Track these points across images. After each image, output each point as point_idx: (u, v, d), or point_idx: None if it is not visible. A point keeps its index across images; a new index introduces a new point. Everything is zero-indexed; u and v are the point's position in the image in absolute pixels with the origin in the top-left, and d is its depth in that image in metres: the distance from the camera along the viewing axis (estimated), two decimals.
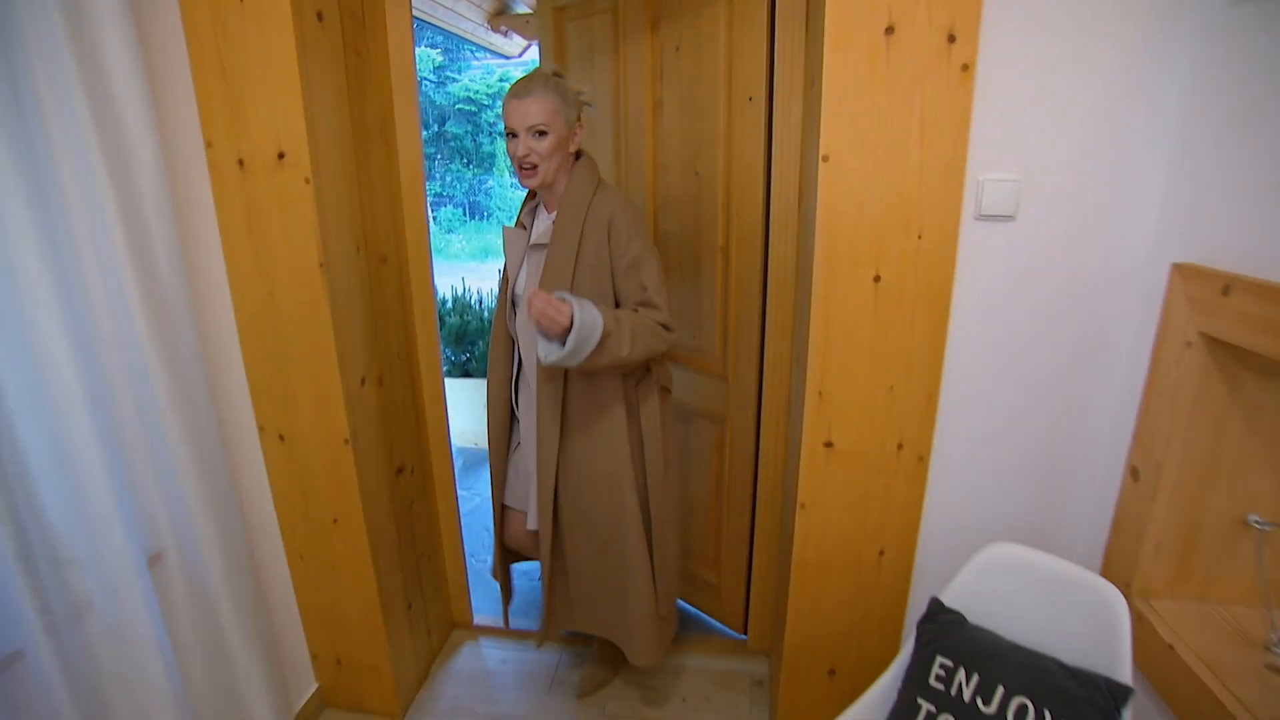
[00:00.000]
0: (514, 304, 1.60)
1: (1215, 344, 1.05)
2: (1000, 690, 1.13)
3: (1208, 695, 0.99)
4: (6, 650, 0.94)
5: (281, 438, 1.57)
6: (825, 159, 1.22)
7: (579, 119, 1.47)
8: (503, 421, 1.67)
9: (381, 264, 1.67)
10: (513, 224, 1.63)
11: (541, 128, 1.40)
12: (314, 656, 1.80)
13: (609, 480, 1.56)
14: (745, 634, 2.04)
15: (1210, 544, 1.15)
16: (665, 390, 1.61)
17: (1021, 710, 1.11)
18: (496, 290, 1.70)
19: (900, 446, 1.35)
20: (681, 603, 2.08)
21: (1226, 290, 1.00)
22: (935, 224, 1.23)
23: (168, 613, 1.26)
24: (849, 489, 1.40)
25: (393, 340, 1.74)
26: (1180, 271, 1.12)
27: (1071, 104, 1.17)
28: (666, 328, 1.46)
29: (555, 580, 1.66)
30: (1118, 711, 1.07)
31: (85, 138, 1.01)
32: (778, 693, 1.65)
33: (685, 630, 2.08)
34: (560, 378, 1.50)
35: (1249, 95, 1.00)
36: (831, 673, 1.56)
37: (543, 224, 1.56)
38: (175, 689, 1.18)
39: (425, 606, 1.96)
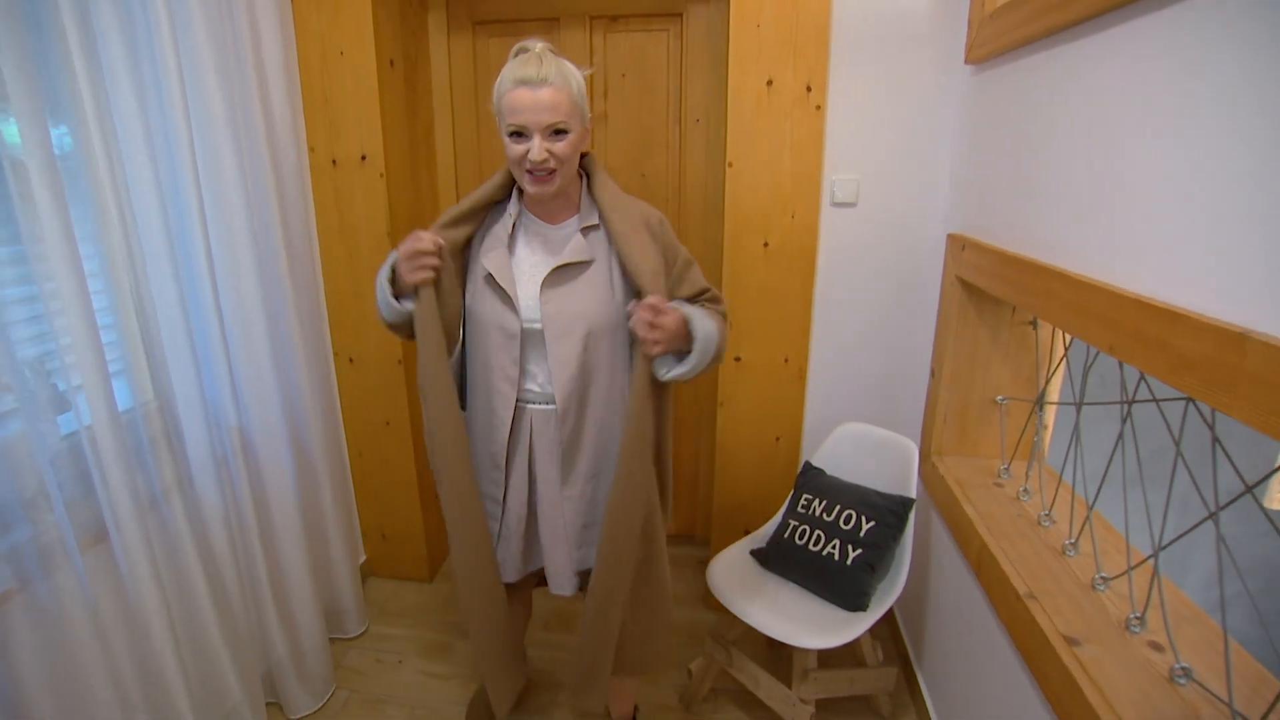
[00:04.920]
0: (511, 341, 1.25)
1: (965, 283, 1.67)
2: (837, 507, 1.75)
3: (954, 499, 1.61)
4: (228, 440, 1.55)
5: (351, 360, 2.16)
6: (730, 165, 1.84)
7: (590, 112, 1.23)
8: (498, 479, 1.33)
9: None
10: (489, 249, 1.27)
11: (561, 125, 1.11)
12: (364, 534, 2.40)
13: (647, 505, 1.30)
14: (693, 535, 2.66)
15: (975, 417, 1.78)
16: None
17: (849, 517, 1.72)
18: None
19: (786, 360, 1.97)
20: None
21: (964, 248, 1.63)
22: (803, 209, 1.85)
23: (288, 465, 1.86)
24: (754, 392, 2.02)
25: None
26: (950, 238, 1.75)
27: (889, 131, 1.80)
28: (726, 318, 1.35)
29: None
30: (906, 513, 1.70)
31: (261, 148, 1.63)
32: (710, 552, 2.26)
33: None
34: (650, 406, 1.22)
35: (980, 130, 1.63)
36: (746, 532, 2.18)
37: (558, 238, 1.26)
38: (301, 511, 1.78)
39: None
